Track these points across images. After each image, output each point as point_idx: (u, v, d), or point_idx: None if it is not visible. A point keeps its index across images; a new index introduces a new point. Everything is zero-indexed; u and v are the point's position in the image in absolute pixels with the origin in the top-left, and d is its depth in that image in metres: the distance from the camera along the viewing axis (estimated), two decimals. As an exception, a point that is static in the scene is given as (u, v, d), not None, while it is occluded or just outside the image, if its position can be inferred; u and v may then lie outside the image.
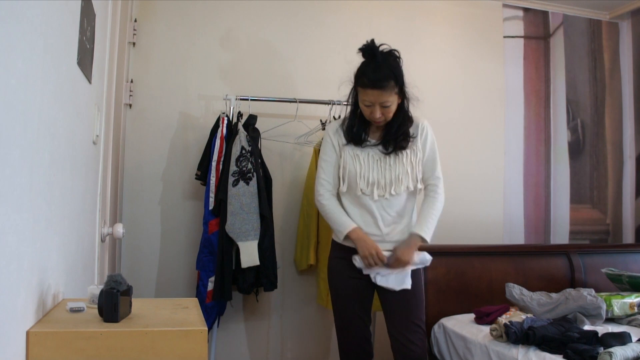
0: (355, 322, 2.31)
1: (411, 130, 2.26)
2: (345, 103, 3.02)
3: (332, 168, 2.30)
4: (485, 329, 2.56)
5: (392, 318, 2.28)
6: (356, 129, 2.25)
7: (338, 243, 2.33)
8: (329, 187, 2.30)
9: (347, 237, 2.23)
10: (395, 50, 2.23)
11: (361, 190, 2.23)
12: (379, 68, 2.13)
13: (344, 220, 2.24)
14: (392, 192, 2.23)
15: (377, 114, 2.16)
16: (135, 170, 3.07)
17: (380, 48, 2.18)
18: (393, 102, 2.16)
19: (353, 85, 2.25)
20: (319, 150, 3.07)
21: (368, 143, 2.27)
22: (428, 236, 2.25)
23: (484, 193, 3.60)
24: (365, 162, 2.24)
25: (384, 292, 2.28)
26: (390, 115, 2.19)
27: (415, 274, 2.29)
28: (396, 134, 2.22)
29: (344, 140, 2.28)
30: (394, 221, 2.27)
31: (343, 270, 2.30)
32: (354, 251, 2.24)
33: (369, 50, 2.16)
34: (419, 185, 2.29)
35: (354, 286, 2.29)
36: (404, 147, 2.24)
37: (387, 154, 2.24)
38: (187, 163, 3.11)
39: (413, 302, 2.26)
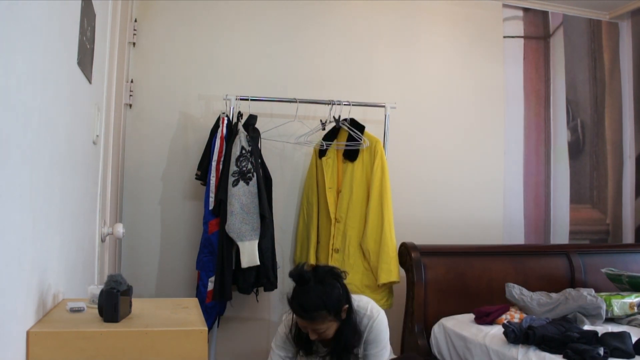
0: None
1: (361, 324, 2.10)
2: (346, 103, 3.05)
3: None
4: (485, 328, 2.56)
5: None
6: (305, 339, 2.11)
7: None
8: None
9: None
10: (334, 268, 2.08)
11: None
12: (308, 295, 1.96)
13: None
14: None
15: (313, 337, 2.02)
16: (135, 170, 3.07)
17: (317, 271, 2.02)
18: (328, 327, 2.00)
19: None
20: (319, 150, 3.09)
21: (318, 353, 2.15)
22: None
23: (484, 193, 3.60)
24: None
25: None
26: (330, 334, 2.02)
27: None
28: (345, 348, 2.07)
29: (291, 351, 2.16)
30: None
31: None
32: None
33: (297, 276, 2.00)
34: None
35: None
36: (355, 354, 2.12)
37: None
38: (187, 163, 3.11)
39: None
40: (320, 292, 1.95)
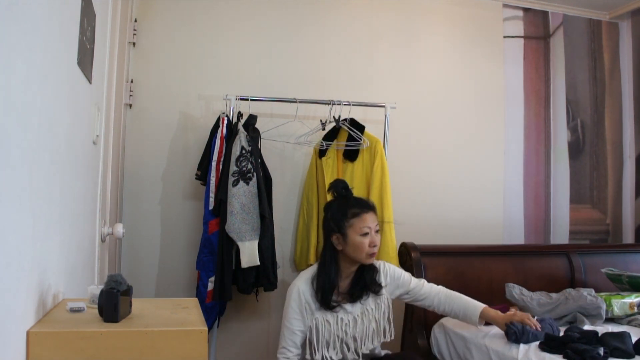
0: None
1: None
2: (346, 103, 3.04)
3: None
4: (486, 328, 2.56)
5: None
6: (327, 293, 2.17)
7: None
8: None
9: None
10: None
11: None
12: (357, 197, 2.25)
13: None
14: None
15: (374, 241, 2.14)
16: (135, 170, 3.07)
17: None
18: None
19: (331, 231, 2.17)
20: (319, 150, 3.09)
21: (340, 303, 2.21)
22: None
23: (483, 193, 3.60)
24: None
25: None
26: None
27: None
28: (366, 286, 2.22)
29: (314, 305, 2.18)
30: None
31: None
32: None
33: (342, 188, 2.22)
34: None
35: None
36: (376, 292, 2.24)
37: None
38: (187, 163, 3.11)
39: None
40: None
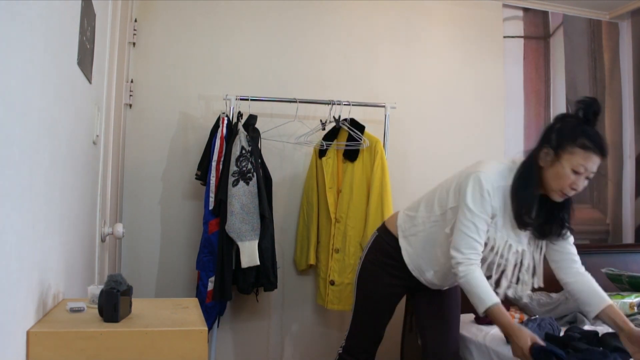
0: (377, 329, 2.23)
1: None
2: (346, 103, 3.04)
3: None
4: (486, 328, 2.56)
5: (432, 330, 2.20)
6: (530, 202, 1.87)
7: (383, 247, 2.15)
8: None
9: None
10: None
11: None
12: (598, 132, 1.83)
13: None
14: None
15: (581, 185, 1.84)
16: (135, 170, 3.07)
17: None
18: None
19: (547, 142, 1.86)
20: (319, 150, 3.09)
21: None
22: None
23: (484, 193, 3.59)
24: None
25: (422, 302, 2.22)
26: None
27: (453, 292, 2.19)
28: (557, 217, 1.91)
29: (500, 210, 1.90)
30: None
31: (382, 276, 2.15)
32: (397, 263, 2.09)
33: (595, 107, 1.82)
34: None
35: (389, 295, 2.18)
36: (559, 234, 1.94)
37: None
38: (187, 163, 3.11)
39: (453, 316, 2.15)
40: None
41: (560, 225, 1.93)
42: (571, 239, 2.00)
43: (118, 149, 2.72)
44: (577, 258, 2.00)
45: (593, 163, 1.80)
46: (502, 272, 1.95)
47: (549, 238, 1.96)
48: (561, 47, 3.79)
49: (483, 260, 1.91)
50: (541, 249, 2.00)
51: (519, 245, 1.95)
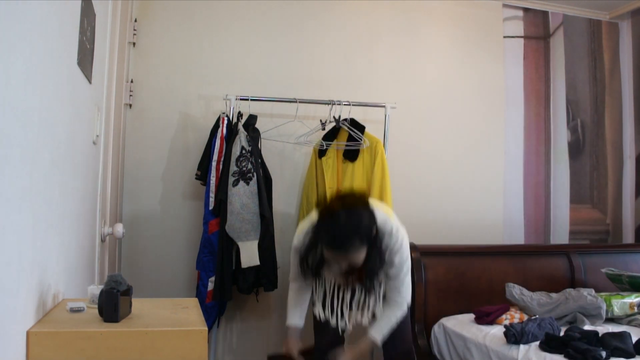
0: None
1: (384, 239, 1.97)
2: (346, 103, 3.04)
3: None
4: (486, 328, 2.56)
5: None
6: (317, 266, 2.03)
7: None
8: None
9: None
10: (360, 195, 1.98)
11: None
12: (341, 228, 1.81)
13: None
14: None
15: (344, 268, 1.96)
16: (135, 170, 3.07)
17: (344, 200, 1.88)
18: (360, 256, 1.88)
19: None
20: (318, 150, 3.09)
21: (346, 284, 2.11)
22: (379, 338, 2.05)
23: (483, 193, 3.60)
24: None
25: None
26: (361, 262, 1.91)
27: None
28: (370, 273, 1.97)
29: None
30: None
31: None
32: None
33: (326, 210, 1.87)
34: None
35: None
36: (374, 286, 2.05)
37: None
38: (187, 163, 3.11)
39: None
40: (353, 222, 1.81)
41: (373, 273, 1.99)
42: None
43: (118, 149, 2.72)
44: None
45: (341, 260, 1.89)
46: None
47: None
48: (561, 47, 3.79)
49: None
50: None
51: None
